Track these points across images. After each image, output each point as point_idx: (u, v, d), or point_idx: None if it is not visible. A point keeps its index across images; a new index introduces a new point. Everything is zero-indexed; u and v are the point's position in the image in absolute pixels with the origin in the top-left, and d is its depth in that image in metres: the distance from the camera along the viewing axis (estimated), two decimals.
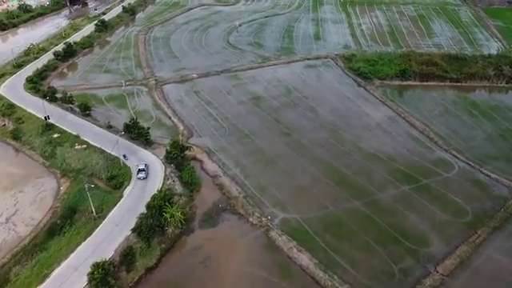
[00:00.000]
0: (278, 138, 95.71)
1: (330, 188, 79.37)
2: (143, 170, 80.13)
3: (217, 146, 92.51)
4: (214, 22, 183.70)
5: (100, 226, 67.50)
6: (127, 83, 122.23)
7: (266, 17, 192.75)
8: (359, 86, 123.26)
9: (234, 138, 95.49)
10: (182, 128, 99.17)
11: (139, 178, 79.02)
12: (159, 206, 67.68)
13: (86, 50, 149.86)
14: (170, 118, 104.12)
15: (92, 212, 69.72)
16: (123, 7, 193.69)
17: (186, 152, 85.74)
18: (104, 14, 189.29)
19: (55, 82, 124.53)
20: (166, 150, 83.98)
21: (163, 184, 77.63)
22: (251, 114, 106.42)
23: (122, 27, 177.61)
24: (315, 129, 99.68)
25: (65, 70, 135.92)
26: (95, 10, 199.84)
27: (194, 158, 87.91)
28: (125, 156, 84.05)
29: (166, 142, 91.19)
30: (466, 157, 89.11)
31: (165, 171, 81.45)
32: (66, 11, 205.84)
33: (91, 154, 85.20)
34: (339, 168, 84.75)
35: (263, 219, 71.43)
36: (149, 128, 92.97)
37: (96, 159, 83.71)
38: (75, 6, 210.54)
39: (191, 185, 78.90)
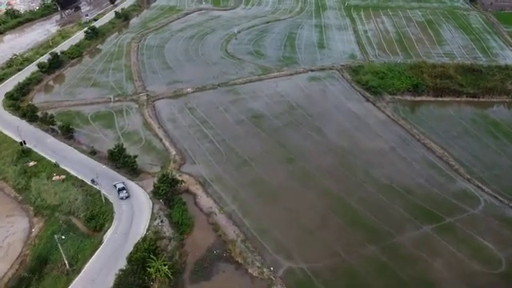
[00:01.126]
0: (280, 165, 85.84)
1: (341, 229, 69.51)
2: (123, 188, 74.96)
3: (212, 175, 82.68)
4: (211, 28, 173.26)
5: (73, 282, 57.63)
6: (116, 99, 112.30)
7: (267, 22, 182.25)
8: (368, 101, 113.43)
9: (232, 165, 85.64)
10: (173, 153, 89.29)
11: (121, 198, 73.51)
12: (142, 258, 57.84)
13: (74, 60, 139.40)
14: (161, 140, 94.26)
15: (65, 264, 59.89)
16: (116, 12, 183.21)
17: (178, 185, 76.12)
18: (95, 20, 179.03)
19: (38, 97, 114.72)
20: (154, 185, 74.05)
21: (150, 225, 67.87)
22: (251, 135, 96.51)
23: (115, 34, 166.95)
24: (322, 153, 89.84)
25: (50, 82, 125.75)
26: (86, 15, 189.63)
27: (187, 191, 78.21)
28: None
29: (155, 171, 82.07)
30: (491, 188, 79.62)
31: (152, 209, 71.72)
32: (56, 16, 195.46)
33: (70, 188, 75.38)
34: (351, 204, 74.86)
35: (265, 270, 61.67)
36: (136, 156, 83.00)
37: (75, 194, 73.92)
38: (67, 11, 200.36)
39: (182, 225, 69.04)
